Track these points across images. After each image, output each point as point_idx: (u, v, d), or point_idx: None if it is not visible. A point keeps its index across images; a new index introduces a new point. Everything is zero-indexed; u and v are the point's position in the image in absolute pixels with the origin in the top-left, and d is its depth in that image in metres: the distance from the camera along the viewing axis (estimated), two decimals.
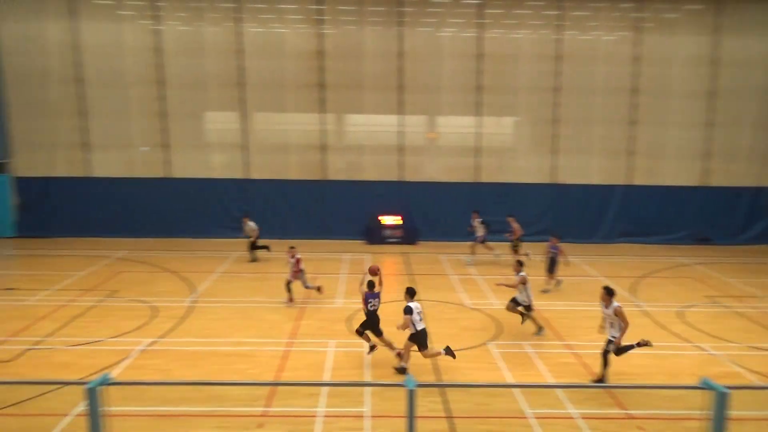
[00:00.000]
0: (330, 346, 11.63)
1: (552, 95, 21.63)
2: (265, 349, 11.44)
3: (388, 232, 21.64)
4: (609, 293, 9.83)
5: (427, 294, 15.18)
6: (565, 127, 21.90)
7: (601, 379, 9.92)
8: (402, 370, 10.30)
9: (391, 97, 21.60)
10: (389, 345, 10.80)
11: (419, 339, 10.11)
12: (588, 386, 10.60)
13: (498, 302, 14.58)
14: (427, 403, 9.05)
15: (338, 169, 22.16)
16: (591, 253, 20.29)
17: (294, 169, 22.07)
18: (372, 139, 22.20)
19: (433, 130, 22.38)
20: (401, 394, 5.01)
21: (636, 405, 9.28)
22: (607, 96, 21.64)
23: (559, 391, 9.71)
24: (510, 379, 10.37)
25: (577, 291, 15.80)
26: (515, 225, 18.36)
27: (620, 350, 9.78)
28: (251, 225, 18.68)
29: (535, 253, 17.90)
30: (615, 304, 9.74)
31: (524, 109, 22.02)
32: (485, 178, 22.18)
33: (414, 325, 10.06)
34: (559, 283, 15.75)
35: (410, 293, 10.44)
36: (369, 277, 11.09)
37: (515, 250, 18.26)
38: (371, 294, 10.80)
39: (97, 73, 21.30)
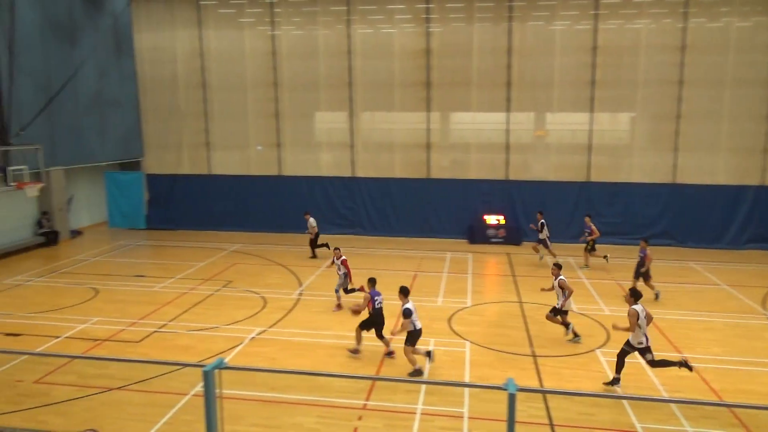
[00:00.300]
0: (430, 345, 11.64)
1: (674, 88, 20.10)
2: (367, 344, 11.65)
3: (491, 232, 21.26)
4: (633, 295, 9.47)
5: (531, 297, 14.74)
6: (689, 123, 20.27)
7: (613, 381, 9.56)
8: (419, 372, 10.18)
9: (498, 94, 21.16)
10: (387, 343, 10.93)
11: (415, 338, 10.16)
12: (704, 403, 9.75)
13: (607, 308, 13.85)
14: (528, 408, 8.80)
15: (442, 168, 22.10)
16: (715, 260, 18.67)
17: (398, 168, 22.31)
18: (477, 137, 21.88)
19: (541, 127, 21.64)
20: (501, 397, 4.90)
21: (765, 427, 8.41)
22: (737, 89, 19.73)
23: (674, 406, 9.03)
24: (618, 390, 9.80)
25: (697, 300, 14.61)
26: (593, 226, 17.60)
27: (656, 363, 9.38)
28: (311, 222, 19.06)
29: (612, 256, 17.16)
30: (631, 306, 9.33)
31: (642, 104, 20.63)
32: (596, 177, 21.10)
33: (414, 324, 10.13)
34: (657, 295, 14.55)
35: (404, 293, 10.37)
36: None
37: (590, 251, 17.61)
38: (376, 291, 10.89)
39: (218, 77, 22.88)
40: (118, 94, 23.96)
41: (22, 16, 18.72)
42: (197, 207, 23.51)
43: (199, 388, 9.21)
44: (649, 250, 14.55)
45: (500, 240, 21.04)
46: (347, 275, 13.74)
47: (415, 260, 18.81)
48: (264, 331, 12.41)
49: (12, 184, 15.00)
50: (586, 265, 17.88)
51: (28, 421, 8.54)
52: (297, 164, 22.99)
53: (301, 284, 16.01)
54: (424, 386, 9.65)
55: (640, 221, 20.70)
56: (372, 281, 11.08)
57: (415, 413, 8.87)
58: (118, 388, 9.61)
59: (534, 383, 9.99)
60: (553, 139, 21.48)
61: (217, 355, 10.94)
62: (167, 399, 9.20)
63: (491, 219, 21.29)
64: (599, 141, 21.05)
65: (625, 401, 9.17)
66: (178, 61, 23.08)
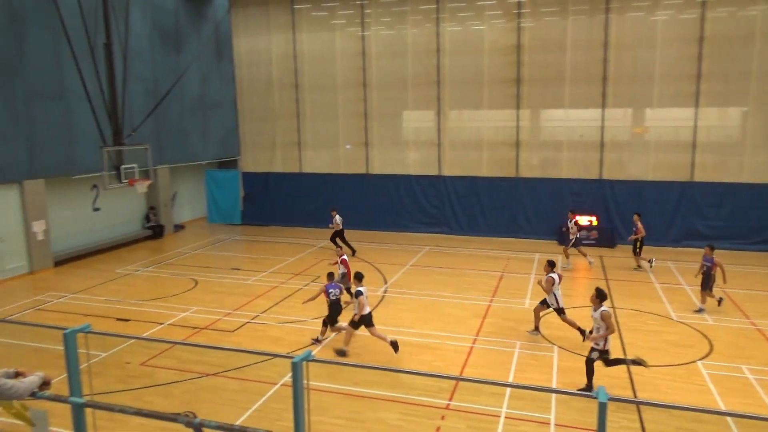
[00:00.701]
0: (516, 347, 11.39)
1: None
2: (450, 344, 11.60)
3: (583, 233, 20.40)
4: (599, 296, 9.45)
5: (625, 302, 14.04)
6: None
7: (586, 389, 9.27)
8: (342, 353, 10.89)
9: (593, 90, 20.27)
10: (339, 329, 11.52)
11: (364, 321, 10.79)
12: None
13: (711, 318, 12.90)
14: (619, 420, 8.39)
15: (532, 166, 21.50)
16: None
17: (486, 166, 21.96)
18: (569, 135, 21.08)
19: (640, 123, 20.48)
20: (591, 406, 4.72)
21: None
22: None
23: None
24: (722, 405, 9.11)
25: None
26: (639, 224, 16.76)
27: (609, 362, 9.40)
28: (337, 219, 19.00)
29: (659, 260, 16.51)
30: (603, 308, 9.34)
31: (756, 98, 18.95)
32: (701, 177, 19.69)
33: (364, 308, 10.81)
34: (720, 301, 13.41)
35: (358, 278, 11.36)
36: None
37: (638, 251, 16.86)
38: (330, 285, 11.58)
39: (310, 78, 23.60)
40: (218, 96, 25.38)
41: (135, 27, 20.24)
42: (288, 204, 24.40)
43: (288, 378, 9.55)
44: (717, 257, 13.33)
45: (592, 242, 20.16)
46: (346, 275, 13.60)
47: (501, 260, 18.46)
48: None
49: (124, 181, 16.29)
50: (638, 266, 17.10)
51: (135, 400, 9.24)
52: (384, 163, 23.25)
53: (386, 282, 16.18)
54: (509, 390, 9.46)
55: (750, 225, 19.09)
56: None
57: (499, 416, 8.71)
58: (214, 374, 10.18)
59: (627, 393, 9.50)
60: (653, 136, 20.25)
61: (305, 347, 11.30)
62: (258, 387, 9.61)
63: (583, 220, 20.45)
64: (705, 138, 19.62)
65: (729, 418, 8.50)
66: (273, 64, 24.04)
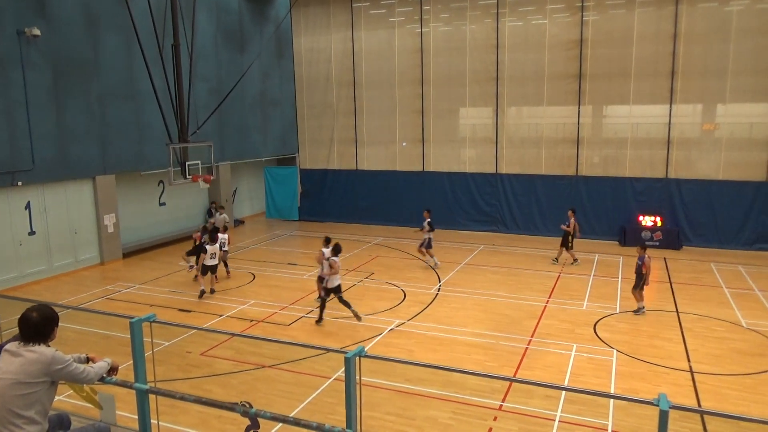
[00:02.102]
0: (572, 350, 11.11)
1: None
2: (504, 344, 11.44)
3: (646, 234, 19.66)
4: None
5: (691, 307, 13.44)
6: None
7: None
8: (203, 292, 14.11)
9: (660, 85, 19.45)
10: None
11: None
12: None
13: None
14: (681, 429, 8.05)
15: (593, 164, 20.86)
16: None
17: (545, 164, 21.48)
18: (634, 132, 20.31)
19: (711, 120, 19.48)
20: (651, 413, 4.53)
21: None
22: None
23: None
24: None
25: None
26: (573, 220, 17.02)
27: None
28: (426, 223, 18.21)
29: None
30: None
31: None
32: None
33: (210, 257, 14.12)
34: (638, 310, 13.05)
35: (327, 241, 13.34)
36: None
37: (569, 246, 17.14)
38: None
39: (368, 76, 23.77)
40: (278, 94, 25.94)
41: (201, 28, 20.95)
42: (344, 200, 24.70)
43: (341, 373, 9.68)
44: (648, 257, 13.01)
45: (656, 243, 19.39)
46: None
47: (558, 263, 18.03)
48: (402, 323, 12.70)
49: (189, 176, 16.93)
50: (556, 259, 17.51)
51: (194, 388, 9.61)
52: (440, 160, 23.14)
53: (439, 280, 16.12)
54: (564, 393, 9.25)
55: None
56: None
57: (553, 420, 8.54)
58: (270, 366, 10.45)
59: (691, 402, 9.10)
60: (724, 133, 19.21)
61: (357, 343, 11.43)
62: (312, 380, 9.80)
63: (647, 220, 19.70)
64: None
65: None
66: (332, 62, 24.35)
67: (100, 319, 12.35)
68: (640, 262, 13.09)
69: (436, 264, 17.21)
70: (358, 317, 12.61)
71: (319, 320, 12.63)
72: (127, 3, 14.89)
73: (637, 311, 13.08)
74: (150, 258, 19.23)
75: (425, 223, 17.29)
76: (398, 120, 23.59)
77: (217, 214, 20.43)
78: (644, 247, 13.41)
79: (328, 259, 12.63)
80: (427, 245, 17.29)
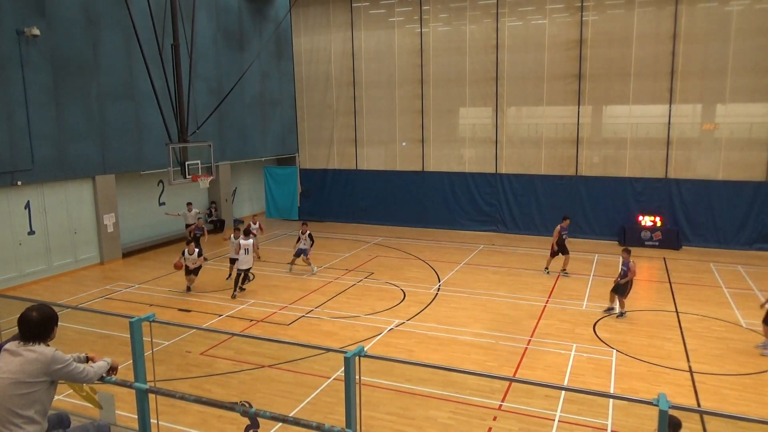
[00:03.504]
0: (572, 350, 11.12)
1: None
2: (504, 344, 11.44)
3: (646, 234, 19.67)
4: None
5: (690, 307, 13.44)
6: None
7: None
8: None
9: (660, 85, 19.45)
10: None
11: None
12: None
13: None
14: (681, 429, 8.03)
15: (593, 164, 20.87)
16: None
17: (544, 164, 21.49)
18: (634, 132, 20.31)
19: (710, 120, 19.48)
20: (651, 413, 4.53)
21: None
22: None
23: None
24: None
25: None
26: (558, 226, 16.59)
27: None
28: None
29: None
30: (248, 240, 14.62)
31: None
32: None
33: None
34: (611, 310, 12.94)
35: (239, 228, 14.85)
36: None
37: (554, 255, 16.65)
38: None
39: (367, 76, 23.76)
40: (278, 94, 25.95)
41: (201, 28, 20.95)
42: (344, 200, 24.70)
43: (340, 372, 9.69)
44: (633, 261, 12.69)
45: (656, 243, 19.40)
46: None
47: (558, 260, 18.01)
48: (402, 323, 12.70)
49: (189, 176, 16.93)
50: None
51: (194, 388, 9.61)
52: (440, 160, 23.14)
53: (439, 280, 16.13)
54: (563, 393, 9.25)
55: None
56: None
57: (553, 420, 8.54)
58: (269, 365, 10.45)
59: (690, 402, 9.11)
60: (724, 133, 19.21)
61: (357, 342, 11.43)
62: (312, 380, 9.80)
63: (646, 220, 19.71)
64: None
65: None
66: (332, 62, 24.35)
67: (99, 319, 12.35)
68: (625, 268, 12.71)
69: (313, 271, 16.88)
70: (234, 295, 14.56)
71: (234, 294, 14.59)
72: (126, 3, 14.87)
73: (621, 314, 12.76)
74: (150, 258, 19.23)
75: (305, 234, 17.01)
76: (398, 120, 23.59)
77: (188, 211, 19.99)
78: (629, 251, 13.05)
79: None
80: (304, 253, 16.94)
